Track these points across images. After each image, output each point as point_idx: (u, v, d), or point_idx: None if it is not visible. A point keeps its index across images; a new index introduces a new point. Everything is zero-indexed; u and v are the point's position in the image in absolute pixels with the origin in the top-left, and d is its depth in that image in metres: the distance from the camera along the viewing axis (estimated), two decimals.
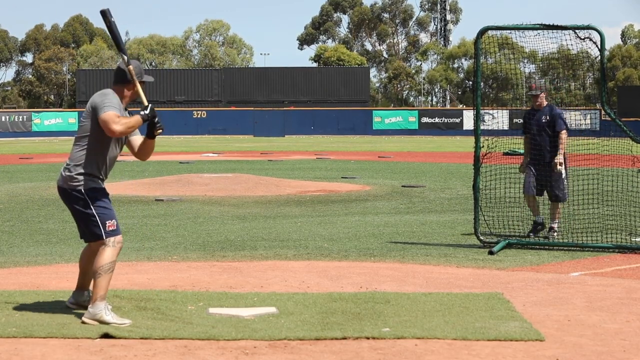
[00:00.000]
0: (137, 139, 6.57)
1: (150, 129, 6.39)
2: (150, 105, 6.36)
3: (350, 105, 66.27)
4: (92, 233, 6.34)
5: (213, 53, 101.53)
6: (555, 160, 11.08)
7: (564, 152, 11.19)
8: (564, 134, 11.15)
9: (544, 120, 11.21)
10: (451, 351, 5.64)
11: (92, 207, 6.29)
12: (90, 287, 6.58)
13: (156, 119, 6.37)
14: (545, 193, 11.43)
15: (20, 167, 27.33)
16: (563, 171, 11.20)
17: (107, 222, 6.30)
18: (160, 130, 6.42)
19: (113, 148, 6.42)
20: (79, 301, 6.61)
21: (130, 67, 6.44)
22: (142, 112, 6.32)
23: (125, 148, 6.63)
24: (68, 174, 6.32)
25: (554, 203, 11.31)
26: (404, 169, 25.49)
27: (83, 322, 6.17)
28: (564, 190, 11.23)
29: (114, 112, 6.21)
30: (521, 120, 11.73)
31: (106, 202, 6.37)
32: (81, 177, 6.30)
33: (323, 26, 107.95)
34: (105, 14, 6.51)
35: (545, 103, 11.37)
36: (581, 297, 7.38)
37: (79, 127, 6.42)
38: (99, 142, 6.33)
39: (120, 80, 6.50)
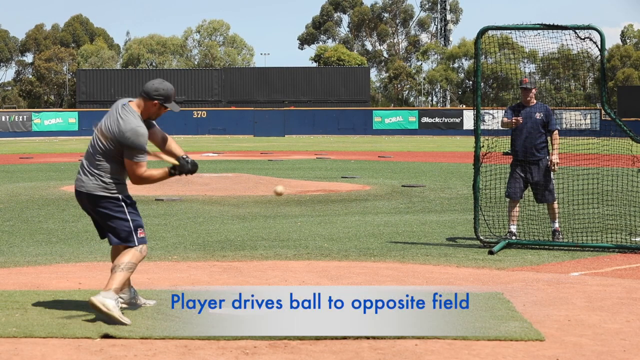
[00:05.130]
0: (156, 132, 6.62)
1: (178, 173, 6.53)
2: (185, 163, 6.46)
3: (350, 105, 66.26)
4: (122, 238, 6.42)
5: (213, 53, 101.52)
6: (554, 160, 10.93)
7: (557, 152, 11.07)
8: (557, 134, 11.02)
9: (538, 117, 10.89)
10: (451, 351, 5.64)
11: (127, 213, 6.41)
12: (133, 284, 6.78)
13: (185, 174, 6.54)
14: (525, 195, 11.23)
15: (20, 167, 27.33)
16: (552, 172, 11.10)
17: (139, 229, 6.45)
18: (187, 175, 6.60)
19: None
20: (127, 300, 6.67)
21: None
22: (172, 171, 6.46)
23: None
24: (100, 181, 6.36)
25: (549, 204, 11.15)
26: (404, 169, 25.48)
27: (90, 301, 6.17)
28: (553, 191, 11.03)
29: (145, 162, 6.33)
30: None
31: (137, 210, 6.53)
32: (116, 185, 6.40)
33: (323, 26, 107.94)
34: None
35: (534, 101, 11.08)
36: (581, 297, 7.38)
37: (101, 148, 6.38)
38: (122, 161, 6.44)
39: (151, 98, 6.44)
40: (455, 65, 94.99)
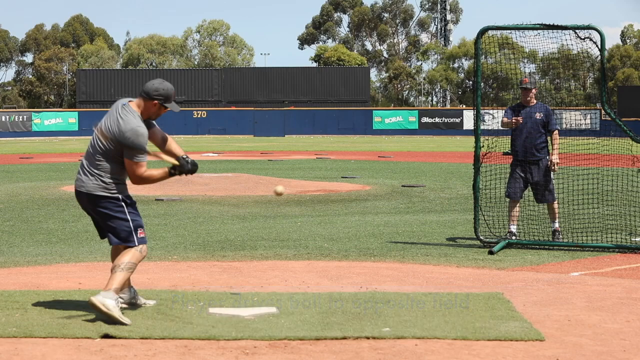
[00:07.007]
0: (156, 131, 6.61)
1: (178, 173, 6.54)
2: (185, 163, 6.48)
3: (350, 105, 66.26)
4: (122, 238, 6.43)
5: (213, 53, 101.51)
6: (554, 160, 10.91)
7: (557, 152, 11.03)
8: (557, 134, 10.99)
9: (538, 117, 10.86)
10: (451, 351, 5.64)
11: (127, 213, 6.43)
12: (133, 284, 6.81)
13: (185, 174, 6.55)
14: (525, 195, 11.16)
15: (20, 167, 27.33)
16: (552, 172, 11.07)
17: (139, 229, 6.46)
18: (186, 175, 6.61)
19: None
20: (127, 300, 6.69)
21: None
22: (172, 171, 6.47)
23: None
24: (100, 181, 6.37)
25: (549, 204, 11.07)
26: (404, 169, 25.48)
27: (90, 301, 6.18)
28: (553, 191, 10.99)
29: (145, 162, 6.34)
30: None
31: (137, 210, 6.54)
32: (116, 185, 6.40)
33: (323, 26, 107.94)
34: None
35: (534, 101, 11.03)
36: (581, 297, 7.38)
37: (101, 148, 6.38)
38: (122, 161, 6.44)
39: (151, 98, 6.45)
40: (455, 65, 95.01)
